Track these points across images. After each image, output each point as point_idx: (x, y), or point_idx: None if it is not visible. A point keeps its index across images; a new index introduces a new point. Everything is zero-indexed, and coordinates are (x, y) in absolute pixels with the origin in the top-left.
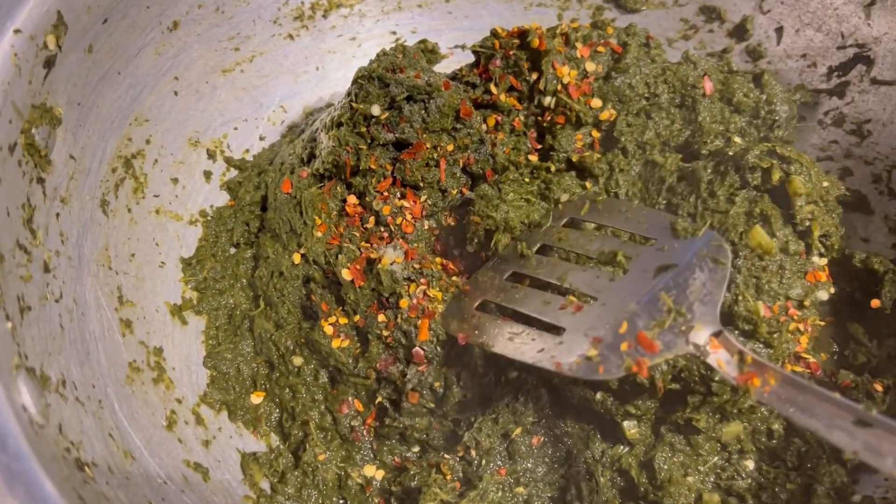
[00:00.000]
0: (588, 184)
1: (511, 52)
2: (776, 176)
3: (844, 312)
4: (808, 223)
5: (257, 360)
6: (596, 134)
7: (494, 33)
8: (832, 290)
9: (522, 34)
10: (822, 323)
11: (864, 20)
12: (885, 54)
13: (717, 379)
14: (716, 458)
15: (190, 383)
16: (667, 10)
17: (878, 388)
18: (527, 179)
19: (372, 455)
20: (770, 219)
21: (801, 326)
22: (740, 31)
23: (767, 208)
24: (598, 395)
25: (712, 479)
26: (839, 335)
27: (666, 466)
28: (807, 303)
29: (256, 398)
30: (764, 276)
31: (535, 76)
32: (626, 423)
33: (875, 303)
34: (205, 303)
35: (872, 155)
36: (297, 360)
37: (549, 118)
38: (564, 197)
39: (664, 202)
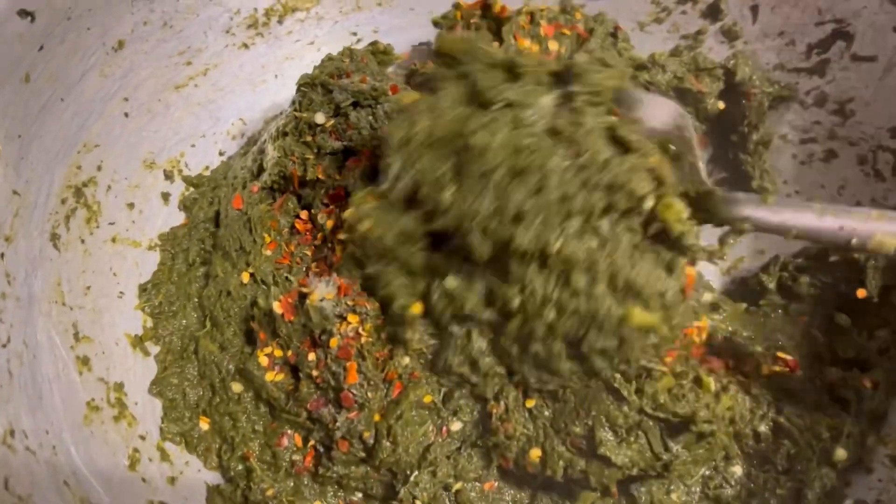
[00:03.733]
0: None
1: (473, 21)
2: None
3: (829, 304)
4: None
5: (202, 383)
6: None
7: (457, 5)
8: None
9: (485, 6)
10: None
11: None
12: (865, 29)
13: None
14: (702, 469)
15: (154, 417)
16: None
17: (868, 384)
18: None
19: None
20: None
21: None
22: (714, 12)
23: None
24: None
25: (699, 489)
26: (825, 327)
27: (644, 489)
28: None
29: (204, 424)
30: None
31: (496, 45)
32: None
33: (861, 292)
34: (160, 328)
35: (857, 135)
36: (237, 387)
37: None
38: None
39: None
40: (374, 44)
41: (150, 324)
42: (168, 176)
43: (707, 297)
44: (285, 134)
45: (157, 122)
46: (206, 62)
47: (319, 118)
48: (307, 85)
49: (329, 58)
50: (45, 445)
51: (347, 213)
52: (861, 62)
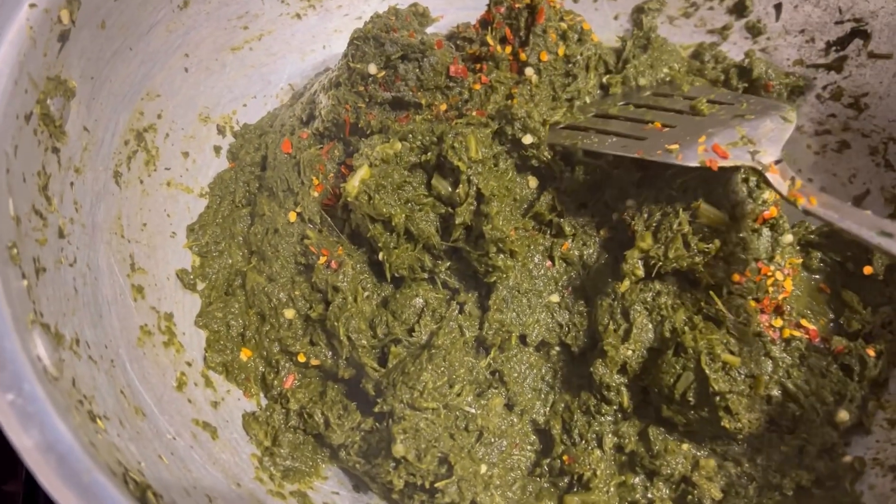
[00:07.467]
0: None
1: (517, 6)
2: None
3: (838, 282)
4: None
5: (249, 312)
6: None
7: None
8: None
9: None
10: (799, 260)
11: None
12: (882, 28)
13: None
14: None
15: (199, 348)
16: None
17: (871, 353)
18: None
19: None
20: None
21: (780, 274)
22: (740, 8)
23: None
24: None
25: (708, 445)
26: (834, 303)
27: (661, 437)
28: (778, 258)
29: (244, 356)
30: (726, 249)
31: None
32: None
33: (868, 269)
34: (206, 266)
35: (869, 128)
36: (289, 314)
37: None
38: None
39: None
40: (414, 5)
41: (197, 263)
42: (220, 131)
43: (787, 238)
44: (338, 84)
45: (214, 80)
46: (262, 28)
47: (372, 69)
48: (360, 38)
49: (377, 15)
50: (105, 358)
51: None
52: (877, 59)
